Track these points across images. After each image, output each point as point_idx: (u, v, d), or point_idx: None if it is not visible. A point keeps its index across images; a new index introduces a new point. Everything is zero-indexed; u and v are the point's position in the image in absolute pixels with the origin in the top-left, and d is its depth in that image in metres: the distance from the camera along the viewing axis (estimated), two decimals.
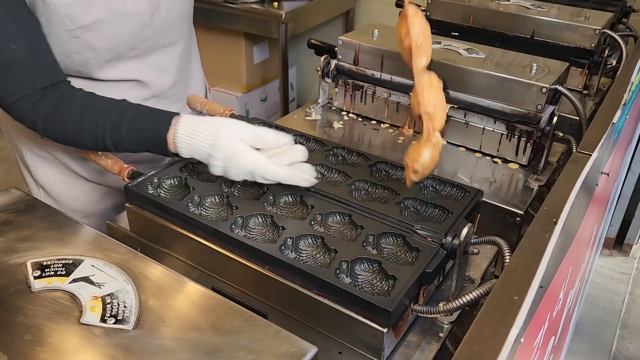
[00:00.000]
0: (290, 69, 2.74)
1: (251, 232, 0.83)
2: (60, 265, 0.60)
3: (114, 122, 0.92)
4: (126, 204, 0.93)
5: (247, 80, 2.86)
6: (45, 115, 0.92)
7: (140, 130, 0.91)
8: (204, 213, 0.87)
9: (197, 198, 0.88)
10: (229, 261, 0.81)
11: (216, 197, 0.90)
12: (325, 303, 0.72)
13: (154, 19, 1.03)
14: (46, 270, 0.60)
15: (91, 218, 1.22)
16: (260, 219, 0.85)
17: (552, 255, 0.55)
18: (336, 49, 1.35)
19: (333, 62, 1.35)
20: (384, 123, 1.33)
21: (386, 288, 0.73)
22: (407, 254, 0.79)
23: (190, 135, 0.88)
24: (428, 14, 1.64)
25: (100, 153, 1.01)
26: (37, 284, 0.58)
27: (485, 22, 1.57)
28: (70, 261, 0.61)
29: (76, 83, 0.98)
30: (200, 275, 0.87)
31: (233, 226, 0.83)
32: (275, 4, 2.40)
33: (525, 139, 1.15)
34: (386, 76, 1.27)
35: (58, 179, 1.18)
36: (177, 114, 0.92)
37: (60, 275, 0.59)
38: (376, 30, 1.32)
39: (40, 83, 0.91)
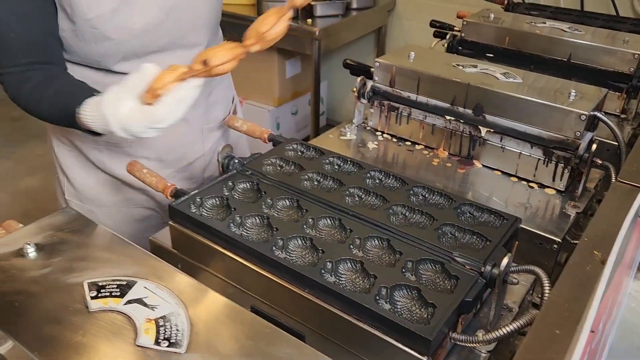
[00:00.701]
0: (321, 83, 2.77)
1: (291, 255, 0.85)
2: (115, 286, 0.63)
3: (59, 103, 0.98)
4: (169, 222, 0.96)
5: (279, 94, 2.90)
6: (25, 90, 1.00)
7: (66, 110, 0.96)
8: (244, 234, 0.90)
9: (238, 218, 0.91)
10: (268, 282, 0.83)
11: (257, 218, 0.92)
12: (364, 328, 0.74)
13: (170, 16, 1.07)
14: (101, 290, 0.63)
15: (104, 209, 1.27)
16: (300, 241, 0.87)
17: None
18: (372, 70, 1.37)
19: (369, 83, 1.37)
20: (418, 144, 1.34)
21: (425, 316, 0.74)
22: (446, 282, 0.79)
23: (94, 122, 0.92)
24: (463, 35, 1.65)
25: (145, 171, 1.05)
26: (94, 305, 0.60)
27: (521, 44, 1.57)
28: (125, 282, 0.64)
29: (95, 75, 1.07)
30: (239, 293, 0.89)
31: (274, 248, 0.85)
32: (309, 21, 2.44)
33: (562, 164, 1.14)
34: (422, 98, 1.28)
35: (77, 167, 1.25)
36: (93, 94, 0.94)
37: (115, 296, 0.62)
38: (412, 53, 1.34)
39: (23, 60, 0.99)
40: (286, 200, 0.97)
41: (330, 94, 3.31)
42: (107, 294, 0.62)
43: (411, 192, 0.99)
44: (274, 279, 0.82)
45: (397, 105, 1.34)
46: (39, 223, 0.76)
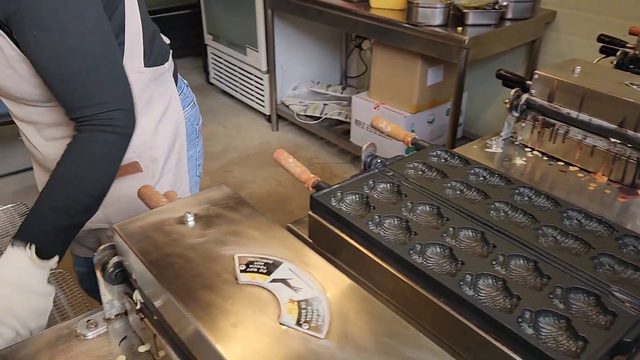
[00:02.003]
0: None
1: (429, 261, 0.83)
2: (262, 263, 0.66)
3: None
4: (309, 212, 0.98)
5: (417, 101, 2.86)
6: None
7: None
8: (382, 233, 0.89)
9: (377, 217, 0.91)
10: (402, 285, 0.82)
11: (395, 219, 0.91)
12: (503, 350, 0.69)
13: None
14: (250, 266, 0.66)
15: None
16: (438, 248, 0.85)
17: None
18: (529, 82, 1.29)
19: (523, 96, 1.29)
20: (573, 166, 1.24)
21: (574, 349, 0.67)
22: (600, 316, 0.72)
23: None
24: (637, 52, 1.49)
25: (290, 160, 1.08)
26: (243, 278, 0.64)
27: None
28: (271, 261, 0.66)
29: None
30: (369, 291, 0.87)
31: (411, 251, 0.83)
32: (460, 29, 2.37)
33: None
34: (584, 117, 1.18)
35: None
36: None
37: (262, 273, 0.64)
38: (578, 67, 1.24)
39: None
40: (426, 206, 0.95)
41: (470, 106, 3.19)
42: (255, 269, 0.65)
43: (565, 214, 0.91)
44: (408, 282, 0.81)
45: (553, 121, 1.25)
46: (196, 196, 0.82)
